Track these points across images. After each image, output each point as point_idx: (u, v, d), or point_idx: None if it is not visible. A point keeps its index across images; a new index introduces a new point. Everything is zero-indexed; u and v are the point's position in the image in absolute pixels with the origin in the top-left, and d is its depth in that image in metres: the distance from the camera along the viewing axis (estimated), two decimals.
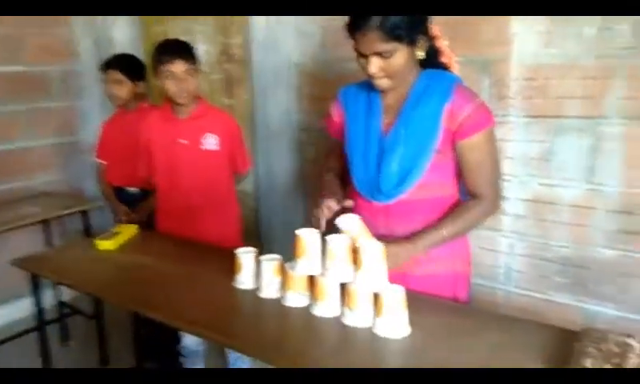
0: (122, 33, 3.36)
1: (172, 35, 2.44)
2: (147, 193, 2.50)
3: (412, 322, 1.31)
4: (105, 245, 1.98)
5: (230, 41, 2.99)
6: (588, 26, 1.81)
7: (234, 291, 1.59)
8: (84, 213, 2.85)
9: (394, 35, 1.33)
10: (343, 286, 1.38)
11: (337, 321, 1.37)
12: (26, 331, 2.62)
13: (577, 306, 2.00)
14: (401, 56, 1.38)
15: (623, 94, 1.79)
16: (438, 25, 1.50)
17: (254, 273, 1.59)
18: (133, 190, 2.63)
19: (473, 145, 1.44)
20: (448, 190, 1.53)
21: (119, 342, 2.77)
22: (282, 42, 2.62)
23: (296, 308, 1.45)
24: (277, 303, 1.49)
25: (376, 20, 1.32)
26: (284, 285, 1.49)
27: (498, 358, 1.18)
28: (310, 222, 1.52)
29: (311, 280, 1.45)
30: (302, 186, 2.76)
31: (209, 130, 2.17)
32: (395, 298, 1.29)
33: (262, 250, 1.63)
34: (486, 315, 1.45)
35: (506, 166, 2.03)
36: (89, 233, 2.80)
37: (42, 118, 3.33)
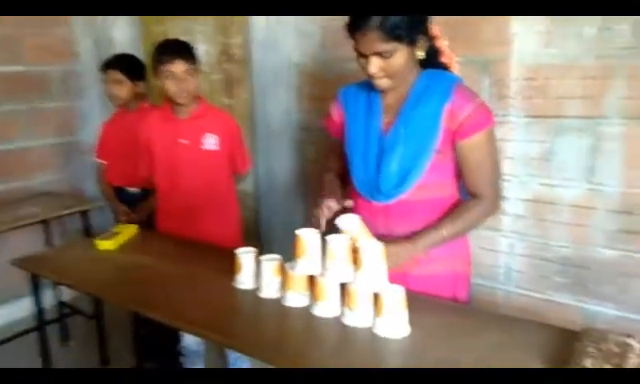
0: (122, 33, 3.36)
1: (172, 35, 2.43)
2: (147, 193, 2.50)
3: (412, 322, 1.31)
4: (105, 245, 1.98)
5: (229, 41, 2.99)
6: (588, 26, 1.81)
7: (233, 291, 1.59)
8: (84, 213, 2.85)
9: (393, 35, 1.33)
10: (343, 286, 1.39)
11: (337, 321, 1.37)
12: (26, 331, 2.62)
13: (577, 305, 2.00)
14: (401, 56, 1.38)
15: (623, 94, 1.79)
16: (438, 25, 1.50)
17: (254, 273, 1.59)
18: (133, 190, 2.63)
19: (473, 145, 1.44)
20: (448, 191, 1.53)
21: (119, 342, 2.77)
22: (282, 42, 2.62)
23: (296, 308, 1.45)
24: (277, 303, 1.49)
25: (376, 20, 1.32)
26: (284, 285, 1.49)
27: (497, 358, 1.18)
28: (310, 222, 1.52)
29: (311, 280, 1.45)
30: (302, 186, 2.76)
31: (209, 129, 2.17)
32: (395, 298, 1.29)
33: (261, 250, 1.63)
34: (485, 315, 1.45)
35: (506, 166, 2.04)
36: (89, 233, 2.80)
37: (42, 118, 3.32)
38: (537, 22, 1.89)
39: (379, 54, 1.37)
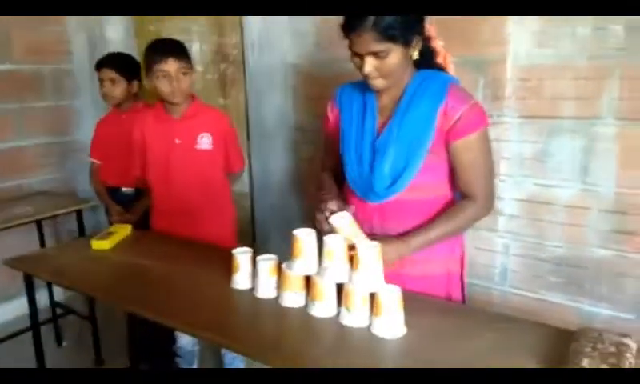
0: (116, 31, 3.34)
1: (166, 34, 2.42)
2: (141, 193, 2.49)
3: (408, 322, 1.31)
4: (99, 245, 1.97)
5: (224, 40, 2.99)
6: (582, 26, 1.81)
7: (230, 291, 1.58)
8: (78, 212, 2.83)
9: (388, 35, 1.33)
10: (340, 286, 1.39)
11: (334, 321, 1.37)
12: (20, 331, 2.61)
13: (572, 305, 2.01)
14: (395, 56, 1.38)
15: (617, 95, 1.80)
16: (434, 25, 1.50)
17: (251, 273, 1.58)
18: (127, 190, 2.62)
19: (466, 145, 1.44)
20: (441, 191, 1.54)
21: (113, 342, 2.76)
22: (277, 42, 2.62)
23: (293, 308, 1.45)
24: (273, 303, 1.49)
25: (370, 20, 1.32)
26: (281, 285, 1.49)
27: (494, 358, 1.18)
28: (308, 222, 1.52)
29: (308, 280, 1.45)
30: (298, 186, 2.76)
31: (203, 129, 2.15)
32: (392, 298, 1.29)
33: (256, 250, 1.63)
34: (481, 315, 1.46)
35: (501, 167, 2.04)
36: (83, 232, 2.79)
37: (35, 117, 3.30)
38: (531, 22, 1.90)
39: (374, 54, 1.37)
